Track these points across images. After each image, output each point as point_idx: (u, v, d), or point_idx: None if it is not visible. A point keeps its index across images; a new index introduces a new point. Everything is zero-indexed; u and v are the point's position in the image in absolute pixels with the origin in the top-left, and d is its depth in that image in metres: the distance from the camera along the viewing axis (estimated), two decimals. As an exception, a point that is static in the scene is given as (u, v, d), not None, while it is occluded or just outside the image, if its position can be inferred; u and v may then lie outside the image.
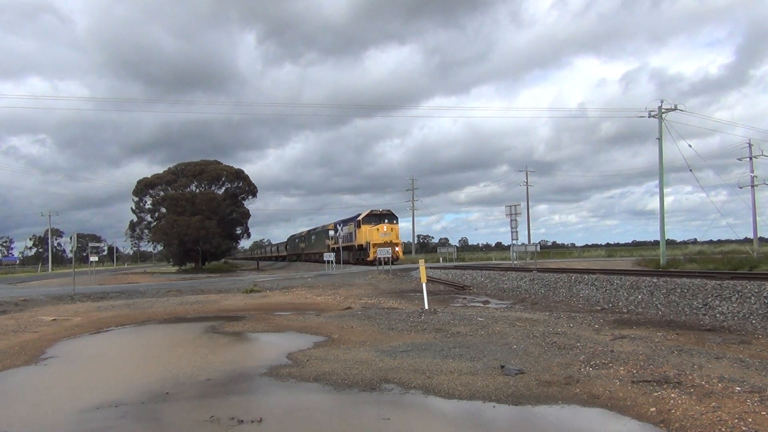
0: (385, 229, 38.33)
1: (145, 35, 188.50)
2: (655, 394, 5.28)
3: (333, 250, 41.29)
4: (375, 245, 36.09)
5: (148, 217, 62.44)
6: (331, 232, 45.33)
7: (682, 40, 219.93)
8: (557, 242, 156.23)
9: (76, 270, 27.63)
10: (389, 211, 40.81)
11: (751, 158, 42.67)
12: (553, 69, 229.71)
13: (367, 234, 38.45)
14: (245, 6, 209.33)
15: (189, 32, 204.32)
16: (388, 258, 29.47)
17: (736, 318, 10.19)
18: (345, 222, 45.29)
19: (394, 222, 39.48)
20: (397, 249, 37.09)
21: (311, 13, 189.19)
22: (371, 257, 35.91)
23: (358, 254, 40.66)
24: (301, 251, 61.56)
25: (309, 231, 59.40)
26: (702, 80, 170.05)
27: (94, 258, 38.05)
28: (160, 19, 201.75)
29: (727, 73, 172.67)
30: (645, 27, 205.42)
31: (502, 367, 6.57)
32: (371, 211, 39.96)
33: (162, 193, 60.36)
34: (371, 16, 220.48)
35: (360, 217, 40.38)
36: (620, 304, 13.08)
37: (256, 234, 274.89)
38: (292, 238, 72.79)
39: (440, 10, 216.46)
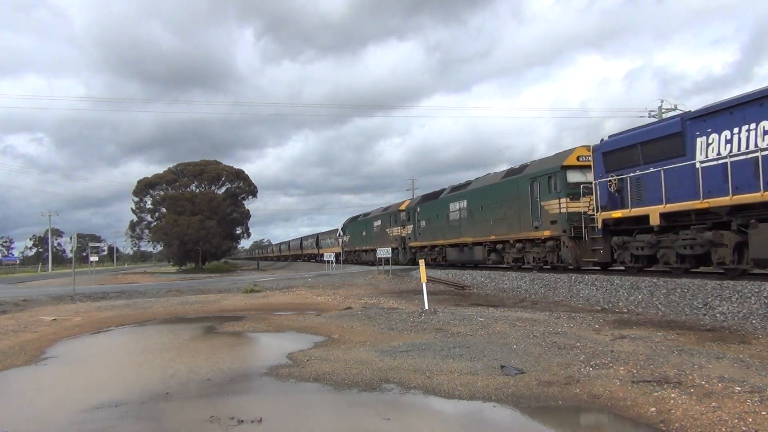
0: None
1: (143, 31, 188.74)
2: (655, 394, 5.28)
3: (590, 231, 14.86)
4: None
5: (149, 217, 62.75)
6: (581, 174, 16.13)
7: (687, 37, 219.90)
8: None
9: (76, 270, 27.63)
10: None
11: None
12: (556, 66, 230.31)
13: None
14: (243, 2, 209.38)
15: (186, 29, 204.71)
16: (388, 258, 24.84)
17: (736, 318, 10.19)
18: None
19: None
20: None
21: (309, 9, 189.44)
22: None
23: None
24: (403, 242, 30.16)
25: (429, 196, 28.02)
26: (706, 78, 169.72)
27: (94, 258, 38.17)
28: (157, 15, 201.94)
29: (731, 71, 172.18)
30: (649, 24, 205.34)
31: (502, 367, 6.57)
32: None
33: (162, 193, 60.56)
34: (370, 12, 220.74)
35: None
36: (620, 304, 13.07)
37: (256, 234, 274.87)
38: (362, 222, 39.65)
39: (441, 6, 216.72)
